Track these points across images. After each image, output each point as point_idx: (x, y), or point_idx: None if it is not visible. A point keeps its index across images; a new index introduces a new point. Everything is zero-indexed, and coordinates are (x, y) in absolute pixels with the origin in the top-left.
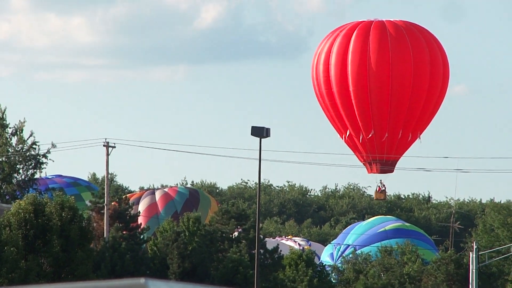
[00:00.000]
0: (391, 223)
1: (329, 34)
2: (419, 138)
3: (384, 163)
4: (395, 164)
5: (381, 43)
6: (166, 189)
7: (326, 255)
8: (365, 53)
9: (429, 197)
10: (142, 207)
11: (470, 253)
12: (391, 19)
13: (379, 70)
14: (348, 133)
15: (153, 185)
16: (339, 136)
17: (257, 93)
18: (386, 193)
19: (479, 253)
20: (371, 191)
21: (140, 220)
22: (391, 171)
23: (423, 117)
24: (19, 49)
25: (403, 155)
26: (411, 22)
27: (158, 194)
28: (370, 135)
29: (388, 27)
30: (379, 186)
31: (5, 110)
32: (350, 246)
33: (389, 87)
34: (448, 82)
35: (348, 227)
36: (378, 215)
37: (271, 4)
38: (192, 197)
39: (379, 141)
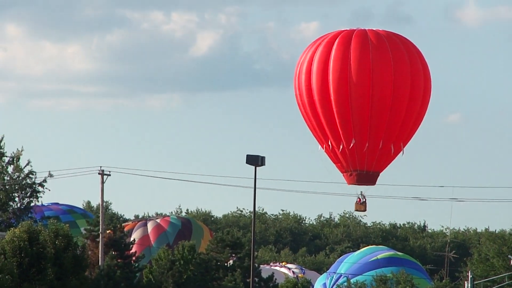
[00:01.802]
0: (383, 252)
1: (312, 43)
2: (402, 151)
3: (365, 174)
4: (377, 176)
5: (362, 52)
6: (158, 220)
7: (319, 285)
8: (346, 61)
9: (424, 226)
10: (135, 240)
11: (465, 282)
12: (374, 29)
13: (360, 78)
14: (330, 143)
15: (148, 213)
16: (319, 146)
17: (252, 121)
18: (367, 205)
19: (474, 283)
20: (367, 220)
21: (135, 248)
22: (373, 183)
23: (405, 129)
24: (14, 76)
25: (385, 168)
26: (393, 33)
27: (150, 226)
28: (351, 145)
29: (370, 36)
30: (359, 198)
31: (2, 138)
32: (343, 276)
33: (370, 96)
34: (430, 96)
35: (341, 257)
36: (373, 244)
37: (267, 33)
38: (185, 227)
39: (360, 151)
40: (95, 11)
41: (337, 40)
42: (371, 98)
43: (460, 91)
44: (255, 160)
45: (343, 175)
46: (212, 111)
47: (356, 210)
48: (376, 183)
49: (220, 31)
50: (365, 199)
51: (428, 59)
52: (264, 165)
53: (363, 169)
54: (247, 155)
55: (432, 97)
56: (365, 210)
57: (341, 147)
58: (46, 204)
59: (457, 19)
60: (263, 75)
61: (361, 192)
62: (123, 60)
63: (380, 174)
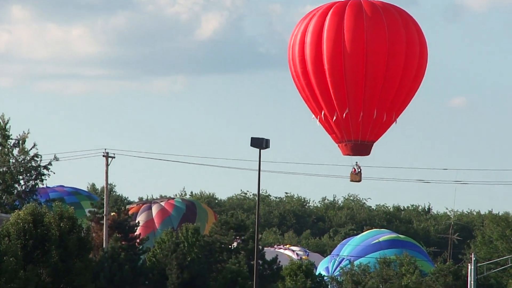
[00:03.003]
0: (385, 235)
1: (306, 14)
2: (395, 121)
3: (359, 144)
4: (371, 146)
5: (356, 21)
6: (163, 203)
7: (322, 269)
8: (340, 31)
9: (429, 208)
10: (140, 223)
11: (469, 264)
12: None
13: (354, 48)
14: (323, 113)
15: (152, 196)
16: (313, 116)
17: (257, 104)
18: (362, 175)
19: (478, 265)
20: (371, 203)
21: (139, 231)
22: (368, 153)
23: (399, 98)
24: (19, 59)
25: (380, 138)
26: (388, 3)
27: (155, 210)
28: (345, 114)
29: (364, 6)
30: (354, 168)
31: (8, 120)
32: (345, 259)
33: (364, 65)
34: (426, 64)
35: (343, 240)
36: (376, 227)
37: (272, 15)
38: (189, 211)
39: (354, 121)
40: None
41: (331, 11)
42: (365, 67)
43: (464, 74)
44: (259, 143)
45: (338, 145)
46: (217, 93)
47: (352, 180)
48: (371, 153)
49: (225, 13)
50: (360, 169)
51: (432, 42)
52: (269, 147)
53: (357, 139)
54: (251, 138)
55: (436, 80)
56: (360, 180)
57: (334, 117)
58: (50, 186)
59: (463, 2)
60: (268, 57)
61: (356, 162)
62: (128, 43)
63: (375, 144)
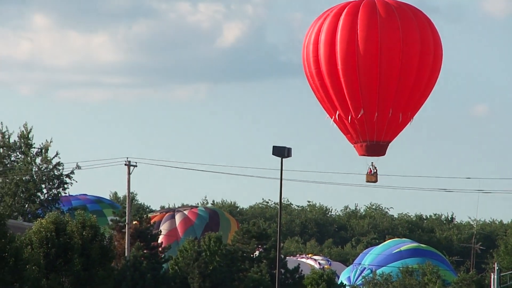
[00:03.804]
0: (406, 244)
1: (320, 15)
2: (411, 121)
3: (375, 144)
4: (387, 146)
5: (370, 21)
6: (186, 212)
7: (344, 278)
8: (354, 31)
9: (452, 217)
10: (162, 232)
11: (492, 274)
12: None
13: (367, 47)
14: (337, 114)
15: (174, 204)
16: (328, 116)
17: (278, 112)
18: (378, 176)
19: (501, 274)
20: (393, 212)
21: (161, 239)
22: (383, 153)
23: (414, 97)
24: (41, 67)
25: (395, 138)
26: (402, 2)
27: (178, 218)
28: (360, 115)
29: (378, 5)
30: (370, 169)
31: (31, 129)
32: (367, 268)
33: (378, 65)
34: (441, 63)
35: (365, 250)
36: (399, 236)
37: (293, 24)
38: (212, 220)
39: (369, 121)
40: (122, 1)
41: (345, 11)
42: (379, 67)
43: (487, 82)
44: (281, 152)
45: (354, 146)
46: (239, 102)
47: (367, 181)
48: (386, 153)
49: (246, 21)
50: (376, 170)
51: (455, 50)
52: (291, 156)
53: (372, 139)
54: (273, 147)
55: (458, 88)
56: (376, 181)
57: (349, 117)
58: (74, 195)
59: (485, 10)
60: (289, 66)
61: (372, 162)
62: (150, 51)
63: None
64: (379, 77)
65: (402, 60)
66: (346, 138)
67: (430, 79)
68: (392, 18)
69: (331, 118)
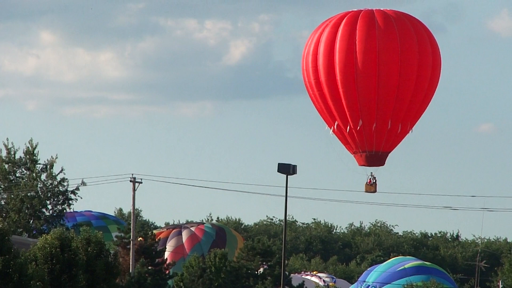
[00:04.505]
0: (410, 261)
1: (319, 25)
2: (410, 131)
3: (374, 154)
4: (386, 156)
5: (368, 31)
6: (193, 228)
7: None
8: (352, 41)
9: (457, 235)
10: (168, 248)
11: None
12: (381, 8)
13: (366, 58)
14: (336, 124)
15: (179, 221)
16: (327, 126)
17: (284, 129)
18: (377, 186)
19: None
20: (398, 229)
21: (167, 255)
22: (382, 163)
23: (413, 108)
24: (47, 83)
25: (395, 148)
26: (401, 12)
27: (185, 235)
28: (358, 126)
29: (376, 16)
30: (369, 179)
31: (36, 145)
32: (371, 286)
33: (376, 75)
34: (440, 73)
35: (369, 268)
36: (404, 254)
37: (300, 41)
38: (219, 237)
39: (368, 131)
40: (128, 18)
41: (343, 21)
42: (377, 78)
43: (492, 100)
44: (286, 169)
45: (353, 156)
46: (244, 119)
47: (366, 191)
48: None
49: (253, 39)
50: (376, 180)
51: (461, 69)
52: (296, 173)
53: (371, 149)
54: (278, 164)
55: (464, 106)
56: (375, 191)
57: (348, 128)
58: (78, 211)
59: (490, 29)
60: (296, 83)
61: (371, 173)
62: (156, 68)
63: (390, 154)
64: (378, 88)
65: (400, 71)
66: (346, 148)
67: (429, 89)
68: (390, 29)
69: (330, 128)
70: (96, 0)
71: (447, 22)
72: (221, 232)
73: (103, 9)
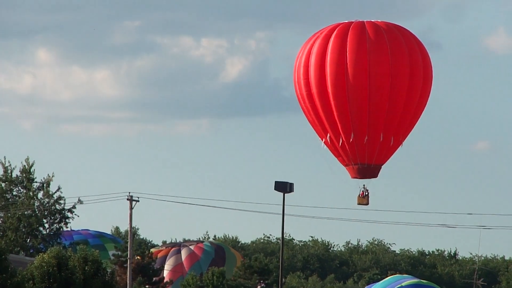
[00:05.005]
0: (407, 280)
1: (311, 37)
2: (402, 144)
3: (366, 167)
4: (379, 169)
5: (359, 44)
6: (192, 247)
7: None
8: (343, 54)
9: (455, 253)
10: (167, 267)
11: None
12: (373, 20)
13: (356, 70)
14: (328, 136)
15: (176, 239)
16: (319, 139)
17: (281, 147)
18: (369, 198)
19: None
20: (396, 247)
21: (165, 274)
22: (375, 176)
23: (405, 120)
24: (43, 102)
25: (387, 160)
26: (392, 23)
27: (184, 254)
28: (351, 139)
29: (367, 28)
30: (362, 191)
31: (32, 164)
32: None
33: (367, 88)
34: (431, 85)
35: (366, 286)
36: (401, 272)
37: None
38: (218, 256)
39: (360, 144)
40: (124, 36)
41: (334, 33)
42: (368, 90)
43: (489, 118)
44: (283, 187)
45: (346, 168)
46: (241, 137)
47: (359, 203)
48: (378, 175)
49: (249, 57)
50: (368, 193)
51: (457, 87)
52: (293, 191)
53: (364, 162)
54: (275, 182)
55: (461, 124)
56: (367, 203)
57: (340, 140)
58: (76, 230)
59: (488, 46)
60: (292, 101)
61: (364, 185)
62: (152, 86)
63: (382, 166)
64: (369, 101)
65: (391, 84)
66: (338, 161)
67: (421, 101)
68: (381, 41)
69: (322, 140)
70: (93, 18)
71: (443, 39)
72: (220, 251)
73: (100, 27)
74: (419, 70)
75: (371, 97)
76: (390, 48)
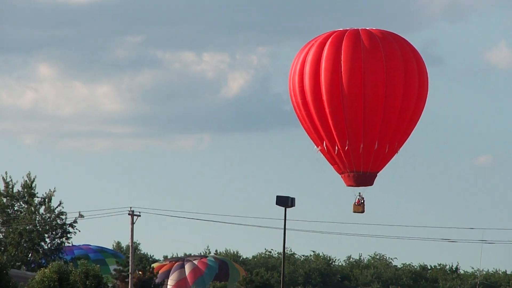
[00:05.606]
0: None
1: (305, 44)
2: (397, 152)
3: (362, 175)
4: (375, 177)
5: (354, 51)
6: (196, 261)
7: None
8: (338, 62)
9: (456, 268)
10: (171, 282)
11: None
12: (367, 28)
13: (351, 78)
14: (324, 144)
15: (177, 254)
16: (315, 146)
17: (282, 162)
18: (365, 206)
19: None
20: (397, 262)
21: None
22: (371, 183)
23: (400, 128)
24: (45, 117)
25: (383, 168)
26: (387, 31)
27: (187, 269)
28: (346, 147)
29: (362, 36)
30: (358, 199)
31: (34, 179)
32: None
33: (362, 96)
34: (427, 93)
35: None
36: (402, 287)
37: None
38: (222, 271)
39: (355, 152)
40: (126, 51)
41: (329, 41)
42: (363, 98)
43: (491, 132)
44: (285, 201)
45: (341, 176)
46: (242, 151)
47: (354, 211)
48: (374, 183)
49: (251, 71)
50: (364, 200)
51: (459, 100)
52: (294, 206)
53: (359, 170)
54: (277, 196)
55: (462, 138)
56: (363, 211)
57: (336, 148)
58: (77, 245)
59: (489, 60)
60: (293, 116)
61: (359, 193)
62: (154, 101)
63: (378, 174)
64: (364, 108)
65: (386, 92)
66: (333, 169)
67: (416, 108)
68: (376, 49)
69: (318, 147)
70: (94, 33)
71: (444, 53)
72: (223, 266)
73: (101, 42)
74: (414, 77)
75: (366, 105)
76: (384, 56)
